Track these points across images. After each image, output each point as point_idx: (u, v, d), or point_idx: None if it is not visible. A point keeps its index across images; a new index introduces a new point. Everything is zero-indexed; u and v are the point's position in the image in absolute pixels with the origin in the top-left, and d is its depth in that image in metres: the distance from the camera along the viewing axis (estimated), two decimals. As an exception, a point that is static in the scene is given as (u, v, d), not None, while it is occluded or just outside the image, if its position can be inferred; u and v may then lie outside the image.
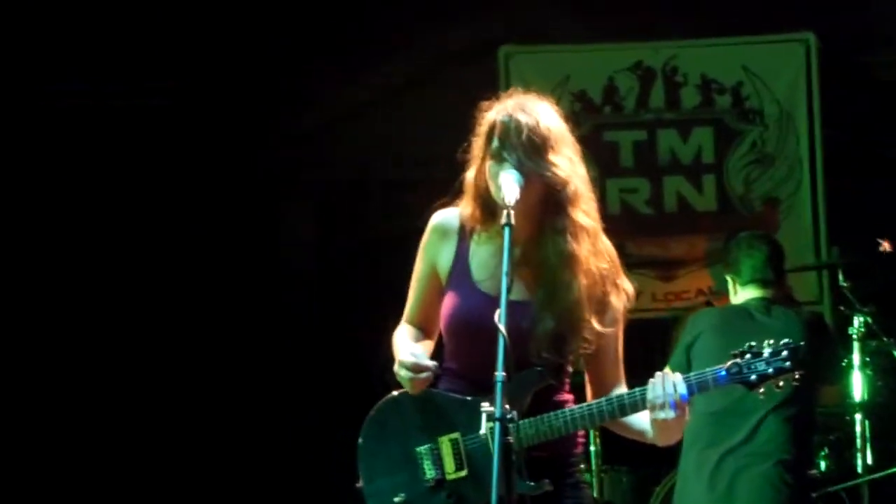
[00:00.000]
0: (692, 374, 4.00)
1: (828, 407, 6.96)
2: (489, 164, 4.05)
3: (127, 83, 8.88)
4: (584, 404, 4.05)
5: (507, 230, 3.82)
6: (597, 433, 7.43)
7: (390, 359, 4.21)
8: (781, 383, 3.97)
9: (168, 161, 8.99)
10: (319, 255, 9.44)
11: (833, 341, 6.68)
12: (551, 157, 4.02)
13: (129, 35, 8.85)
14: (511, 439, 3.66)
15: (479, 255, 4.15)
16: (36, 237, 8.79)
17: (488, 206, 4.09)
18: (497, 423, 3.62)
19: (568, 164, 4.06)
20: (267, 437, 8.87)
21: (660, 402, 3.93)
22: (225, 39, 8.97)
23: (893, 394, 7.38)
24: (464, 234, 4.18)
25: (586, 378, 4.20)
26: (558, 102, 4.22)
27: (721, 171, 9.16)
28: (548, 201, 4.04)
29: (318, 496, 8.51)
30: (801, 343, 3.99)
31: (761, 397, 4.06)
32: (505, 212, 3.86)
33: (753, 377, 3.95)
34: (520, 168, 3.98)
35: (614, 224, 4.29)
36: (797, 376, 3.96)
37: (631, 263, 4.31)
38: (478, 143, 4.12)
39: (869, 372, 7.17)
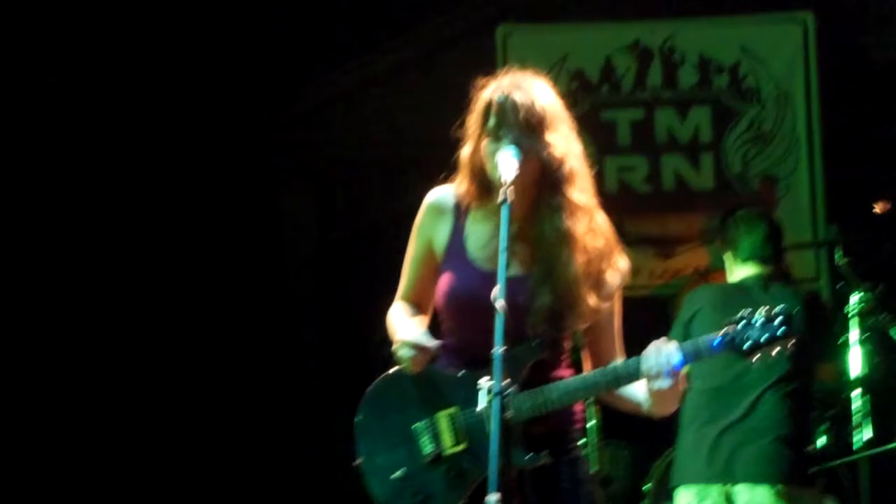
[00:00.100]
0: (686, 342, 4.02)
1: (825, 383, 6.97)
2: (486, 142, 4.07)
3: (125, 66, 8.87)
4: (580, 376, 4.08)
5: (504, 207, 3.84)
6: (596, 408, 7.46)
7: (386, 335, 4.25)
8: (775, 351, 3.98)
9: (168, 143, 8.99)
10: (320, 234, 9.45)
11: (830, 318, 6.70)
12: (548, 135, 4.05)
13: (128, 17, 8.85)
14: (509, 413, 3.69)
15: (475, 232, 4.17)
16: (34, 218, 8.78)
17: (484, 184, 4.12)
18: (495, 398, 3.66)
19: (564, 141, 4.09)
20: (269, 416, 8.89)
21: (654, 372, 3.96)
22: (224, 21, 8.97)
23: (891, 370, 7.40)
24: (459, 212, 4.20)
25: (585, 353, 4.23)
26: (556, 82, 4.23)
27: (719, 150, 9.18)
28: (544, 179, 4.07)
29: (320, 474, 8.55)
30: (795, 310, 4.00)
31: (756, 366, 4.08)
32: (502, 189, 3.88)
33: (747, 345, 3.96)
34: (516, 146, 4.00)
35: (612, 202, 4.31)
36: (791, 344, 3.97)
37: (629, 241, 4.32)
38: (473, 121, 4.14)
39: (867, 348, 7.19)
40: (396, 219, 4.81)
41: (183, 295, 8.92)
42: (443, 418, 4.09)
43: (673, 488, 6.34)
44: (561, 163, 4.06)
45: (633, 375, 4.01)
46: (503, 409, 3.67)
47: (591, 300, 4.06)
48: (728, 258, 6.58)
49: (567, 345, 4.17)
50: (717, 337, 3.99)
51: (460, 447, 4.06)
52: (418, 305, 4.31)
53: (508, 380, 3.70)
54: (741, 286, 6.39)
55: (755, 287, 6.32)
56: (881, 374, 7.28)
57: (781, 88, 9.13)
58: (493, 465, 3.60)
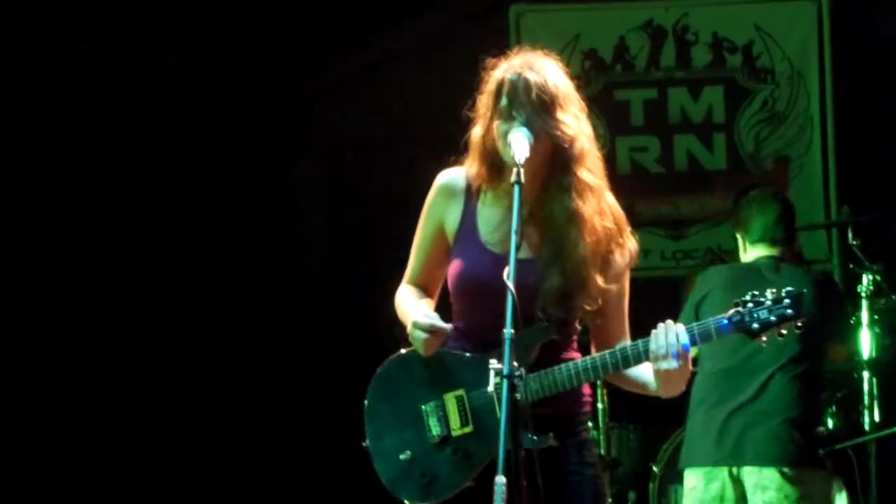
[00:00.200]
0: (694, 323, 4.02)
1: (836, 365, 6.96)
2: (497, 122, 4.06)
3: (134, 44, 8.86)
4: (588, 357, 4.07)
5: (516, 188, 3.83)
6: (604, 391, 7.46)
7: (394, 318, 4.25)
8: (784, 332, 3.98)
9: (177, 124, 8.97)
10: (330, 214, 9.44)
11: (841, 299, 6.68)
12: (559, 114, 4.04)
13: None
14: (518, 395, 3.69)
15: (487, 214, 4.16)
16: (41, 199, 8.78)
17: (495, 165, 4.11)
18: (504, 380, 3.65)
19: (575, 121, 4.08)
20: (279, 398, 8.89)
21: (662, 353, 3.95)
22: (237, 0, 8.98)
23: (900, 352, 7.40)
24: (470, 194, 4.19)
25: (592, 334, 4.23)
26: (569, 61, 4.24)
27: (732, 130, 9.17)
28: (554, 159, 4.06)
29: (329, 456, 8.56)
30: (804, 291, 4.00)
31: (765, 348, 4.08)
32: (515, 170, 3.87)
33: (756, 325, 3.96)
34: (528, 126, 3.99)
35: (624, 183, 4.33)
36: (800, 324, 3.97)
37: (641, 222, 4.33)
38: (484, 102, 4.12)
39: (877, 330, 7.17)
40: (406, 198, 4.80)
41: (193, 269, 8.91)
42: (450, 400, 4.10)
43: (681, 470, 6.34)
44: (572, 142, 4.05)
45: (642, 356, 4.00)
46: (513, 390, 3.67)
47: (600, 281, 4.06)
48: (740, 238, 6.56)
49: (576, 326, 4.17)
50: (725, 318, 4.00)
51: (467, 429, 4.07)
52: (426, 288, 4.31)
53: (517, 362, 3.70)
54: (752, 267, 6.38)
55: (766, 268, 6.31)
56: (890, 356, 7.26)
57: (795, 68, 9.12)
58: (502, 447, 3.61)
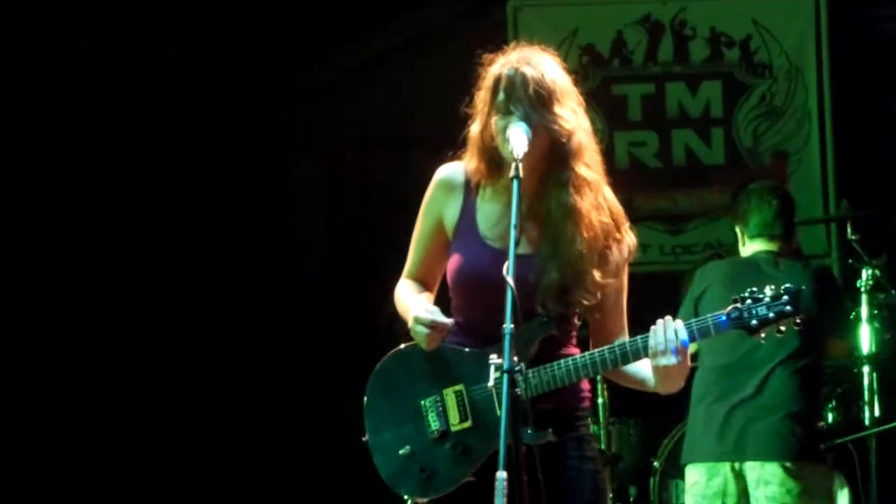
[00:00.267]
0: (693, 320, 4.01)
1: (836, 359, 6.96)
2: (495, 118, 4.06)
3: (132, 39, 8.85)
4: (587, 353, 4.07)
5: (515, 183, 3.83)
6: (604, 386, 7.45)
7: (394, 313, 4.24)
8: (783, 328, 3.98)
9: (180, 121, 8.96)
10: (330, 213, 9.43)
11: (840, 294, 6.66)
12: (556, 108, 4.03)
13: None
14: (519, 390, 3.68)
15: (486, 209, 4.15)
16: (53, 187, 8.77)
17: (494, 161, 4.10)
18: (504, 375, 3.65)
19: (573, 116, 4.07)
20: (279, 397, 8.88)
21: (661, 349, 3.95)
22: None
23: (900, 346, 7.39)
24: (469, 189, 4.18)
25: (591, 329, 4.22)
26: (566, 56, 4.23)
27: (729, 125, 9.17)
28: (552, 154, 4.05)
29: (329, 451, 8.55)
30: (802, 287, 4.00)
31: (765, 343, 4.07)
32: (514, 164, 3.87)
33: (754, 322, 3.96)
34: (526, 120, 3.98)
35: (622, 177, 4.30)
36: (798, 321, 3.96)
37: (639, 217, 4.32)
38: (482, 98, 4.12)
39: (877, 325, 7.16)
40: (406, 194, 4.79)
41: (190, 276, 8.90)
42: (450, 395, 4.09)
43: (683, 465, 6.34)
44: (569, 136, 4.05)
45: (640, 352, 4.00)
46: (513, 385, 3.66)
47: (597, 276, 4.05)
48: (739, 232, 6.55)
49: (575, 322, 4.16)
50: (723, 314, 3.99)
51: (466, 424, 4.07)
52: (425, 283, 4.30)
53: (517, 357, 3.69)
54: (751, 262, 6.37)
55: (765, 263, 6.30)
56: (890, 350, 7.25)
57: (793, 62, 9.12)
58: (503, 442, 3.60)
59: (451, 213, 4.20)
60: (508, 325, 3.67)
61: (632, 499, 7.75)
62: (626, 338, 4.13)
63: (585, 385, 4.21)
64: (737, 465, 6.09)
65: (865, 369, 7.10)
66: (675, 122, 9.18)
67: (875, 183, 8.49)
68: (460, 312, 4.16)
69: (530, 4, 9.13)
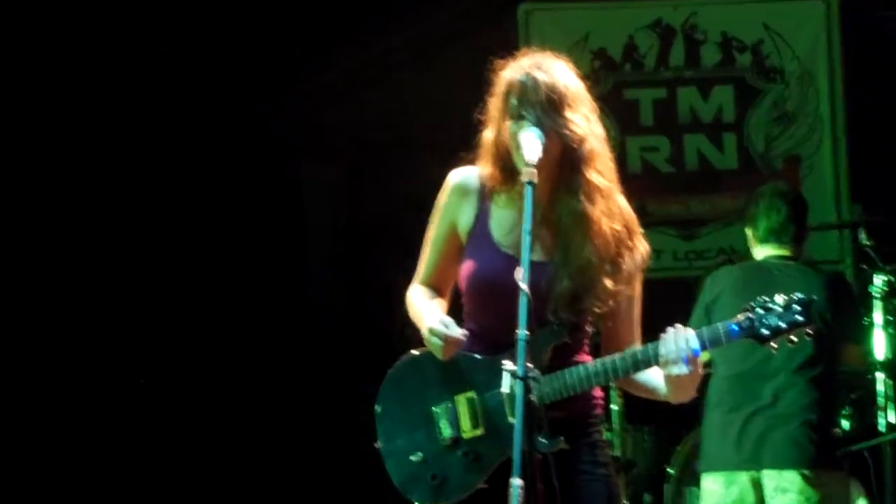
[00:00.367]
0: (704, 328, 3.98)
1: (850, 366, 6.92)
2: (508, 123, 4.03)
3: (141, 39, 8.84)
4: (598, 360, 4.04)
5: (528, 188, 3.80)
6: (619, 392, 7.43)
7: (407, 319, 4.21)
8: (794, 338, 3.94)
9: (182, 122, 8.96)
10: (333, 214, 9.43)
11: (854, 300, 6.63)
12: (568, 113, 4.01)
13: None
14: (533, 397, 3.66)
15: (500, 216, 4.13)
16: (56, 188, 8.77)
17: (508, 167, 4.08)
18: (519, 381, 3.62)
19: (585, 121, 4.05)
20: (283, 399, 8.87)
21: (672, 358, 3.92)
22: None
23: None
24: (484, 194, 4.16)
25: (603, 337, 4.20)
26: (578, 60, 4.20)
27: (742, 130, 9.16)
28: (563, 160, 4.03)
29: (342, 456, 8.54)
30: (814, 297, 3.96)
31: (775, 353, 4.04)
32: (527, 170, 3.85)
33: (765, 331, 3.93)
34: (538, 125, 3.96)
35: (635, 182, 4.29)
36: (810, 331, 3.93)
37: (652, 222, 4.30)
38: (494, 104, 4.10)
39: (891, 331, 7.12)
40: (419, 197, 4.77)
41: (193, 278, 8.90)
42: (462, 402, 4.07)
43: (699, 473, 6.31)
44: (581, 142, 4.02)
45: (651, 360, 3.97)
46: (527, 391, 3.63)
47: (609, 283, 4.02)
48: (750, 235, 6.52)
49: (587, 330, 4.14)
50: (735, 323, 3.95)
51: (479, 431, 4.05)
52: (437, 289, 4.27)
53: (530, 363, 3.67)
54: (763, 267, 6.32)
55: (777, 268, 6.27)
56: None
57: (805, 67, 9.11)
58: (517, 449, 3.57)
59: (466, 218, 4.17)
60: (523, 332, 3.64)
61: (646, 505, 7.74)
62: (638, 346, 4.10)
63: (598, 392, 4.19)
64: (755, 473, 6.06)
65: (880, 376, 7.06)
66: (687, 126, 9.17)
67: (888, 187, 8.46)
68: (472, 318, 4.14)
69: (542, 8, 9.14)
